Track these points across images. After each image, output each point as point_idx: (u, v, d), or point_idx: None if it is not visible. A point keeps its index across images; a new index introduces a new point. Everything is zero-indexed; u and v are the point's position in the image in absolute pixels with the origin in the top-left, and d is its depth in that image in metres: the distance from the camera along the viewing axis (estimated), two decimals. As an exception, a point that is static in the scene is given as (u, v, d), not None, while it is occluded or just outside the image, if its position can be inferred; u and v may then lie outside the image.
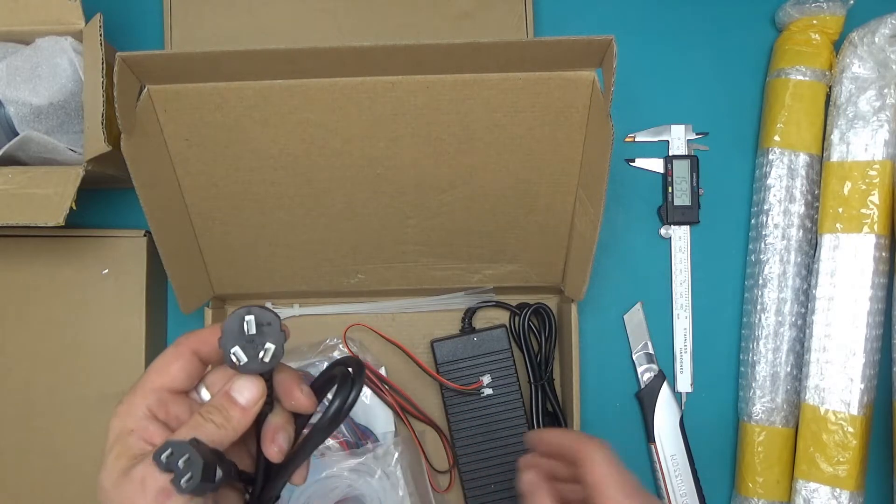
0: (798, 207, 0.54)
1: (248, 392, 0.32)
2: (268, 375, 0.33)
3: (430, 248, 0.52)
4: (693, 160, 0.57)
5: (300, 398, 0.33)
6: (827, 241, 0.52)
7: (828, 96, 0.55)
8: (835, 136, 0.52)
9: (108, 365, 0.53)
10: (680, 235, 0.57)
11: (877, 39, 0.51)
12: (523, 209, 0.50)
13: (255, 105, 0.44)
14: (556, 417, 0.55)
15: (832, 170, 0.52)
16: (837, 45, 0.55)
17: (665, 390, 0.56)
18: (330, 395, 0.33)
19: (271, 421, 0.33)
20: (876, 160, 0.51)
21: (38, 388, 0.53)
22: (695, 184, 0.57)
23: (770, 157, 0.55)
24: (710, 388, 0.57)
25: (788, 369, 0.53)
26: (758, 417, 0.54)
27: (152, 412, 0.32)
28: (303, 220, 0.50)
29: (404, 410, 0.55)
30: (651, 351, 0.57)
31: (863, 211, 0.51)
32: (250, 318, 0.31)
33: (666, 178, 0.57)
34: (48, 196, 0.44)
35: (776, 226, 0.54)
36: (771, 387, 0.53)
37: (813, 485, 0.50)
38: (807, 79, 0.54)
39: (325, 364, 0.53)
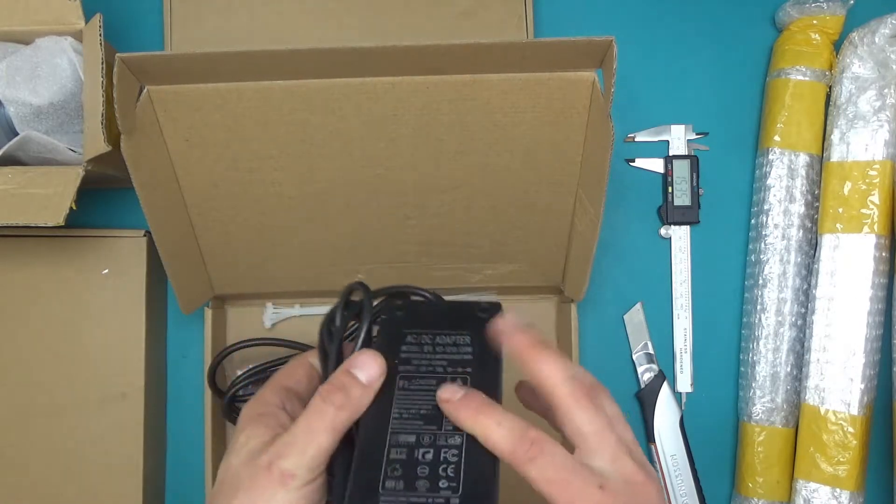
0: (798, 207, 0.54)
1: (369, 368, 0.33)
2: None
3: (430, 248, 0.52)
4: (693, 160, 0.57)
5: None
6: (827, 241, 0.52)
7: (828, 96, 0.55)
8: (835, 136, 0.52)
9: (108, 365, 0.53)
10: (680, 235, 0.57)
11: (877, 39, 0.51)
12: (523, 209, 0.50)
13: (254, 106, 0.44)
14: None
15: (832, 170, 0.52)
16: (837, 45, 0.55)
17: (665, 390, 0.56)
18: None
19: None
20: (876, 160, 0.51)
21: (38, 388, 0.53)
22: (695, 184, 0.57)
23: (770, 157, 0.55)
24: (710, 388, 0.57)
25: (788, 369, 0.53)
26: (758, 417, 0.54)
27: (282, 403, 0.35)
28: (303, 220, 0.50)
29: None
30: (651, 351, 0.57)
31: (863, 211, 0.51)
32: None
33: (666, 178, 0.57)
34: (48, 196, 0.44)
35: (776, 226, 0.54)
36: (771, 387, 0.53)
37: (813, 485, 0.50)
38: (807, 79, 0.54)
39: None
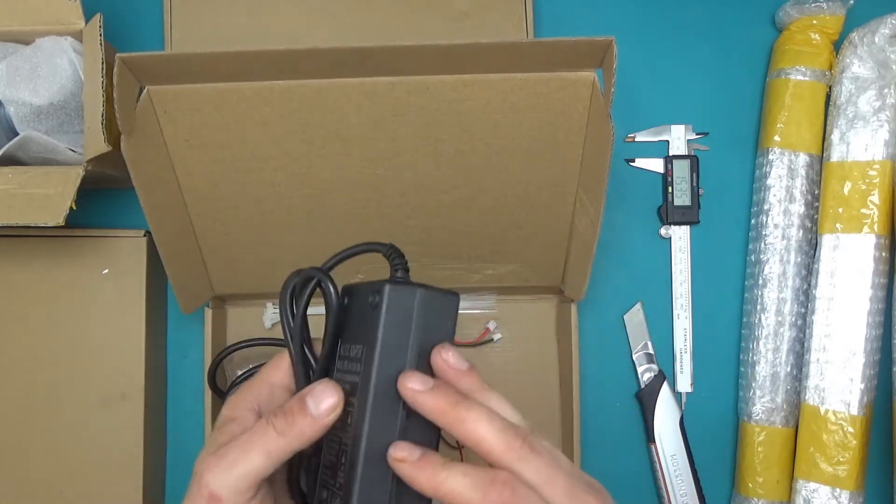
0: (798, 207, 0.54)
1: (325, 401, 0.31)
2: None
3: (430, 248, 0.52)
4: (693, 160, 0.57)
5: None
6: (827, 241, 0.52)
7: (828, 96, 0.55)
8: (835, 136, 0.52)
9: (108, 365, 0.53)
10: (680, 235, 0.57)
11: (877, 39, 0.51)
12: (523, 209, 0.50)
13: (254, 106, 0.44)
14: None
15: (832, 170, 0.52)
16: (837, 45, 0.55)
17: (665, 390, 0.56)
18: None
19: None
20: (876, 160, 0.51)
21: (38, 388, 0.53)
22: (695, 184, 0.57)
23: (770, 157, 0.55)
24: (710, 388, 0.57)
25: (788, 369, 0.53)
26: (758, 417, 0.54)
27: (259, 404, 0.35)
28: (303, 220, 0.50)
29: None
30: (651, 351, 0.57)
31: (863, 211, 0.51)
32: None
33: (666, 178, 0.57)
34: (48, 196, 0.44)
35: (776, 226, 0.54)
36: (771, 387, 0.53)
37: (813, 485, 0.50)
38: (807, 79, 0.54)
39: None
